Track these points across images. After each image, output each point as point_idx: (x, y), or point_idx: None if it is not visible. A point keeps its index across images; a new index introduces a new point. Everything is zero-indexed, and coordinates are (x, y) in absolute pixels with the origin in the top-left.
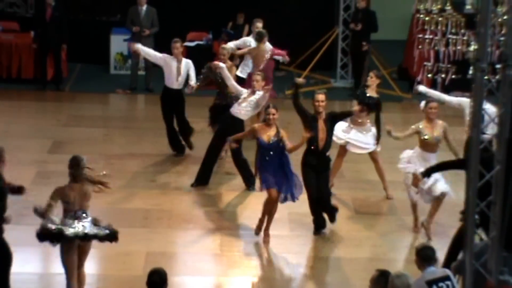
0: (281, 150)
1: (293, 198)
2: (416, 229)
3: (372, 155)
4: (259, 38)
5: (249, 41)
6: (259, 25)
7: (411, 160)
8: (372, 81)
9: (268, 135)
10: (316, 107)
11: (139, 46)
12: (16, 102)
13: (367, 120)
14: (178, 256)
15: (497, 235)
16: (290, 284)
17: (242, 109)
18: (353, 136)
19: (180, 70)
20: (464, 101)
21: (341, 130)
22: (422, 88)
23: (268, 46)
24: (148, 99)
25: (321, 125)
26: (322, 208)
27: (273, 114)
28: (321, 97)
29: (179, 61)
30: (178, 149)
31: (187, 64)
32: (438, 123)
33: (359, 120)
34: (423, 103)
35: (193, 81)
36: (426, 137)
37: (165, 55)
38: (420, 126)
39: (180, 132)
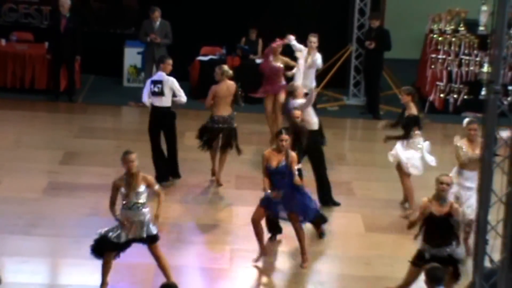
0: (290, 173)
1: (304, 220)
2: None
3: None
4: None
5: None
6: (313, 39)
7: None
8: (403, 99)
9: (278, 160)
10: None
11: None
12: (29, 112)
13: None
14: (188, 270)
15: (507, 256)
16: None
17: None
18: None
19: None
20: None
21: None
22: None
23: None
24: (143, 110)
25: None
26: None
27: (286, 141)
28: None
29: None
30: (163, 175)
31: (167, 82)
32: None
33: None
34: (466, 121)
35: (181, 97)
36: (464, 156)
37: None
38: (458, 144)
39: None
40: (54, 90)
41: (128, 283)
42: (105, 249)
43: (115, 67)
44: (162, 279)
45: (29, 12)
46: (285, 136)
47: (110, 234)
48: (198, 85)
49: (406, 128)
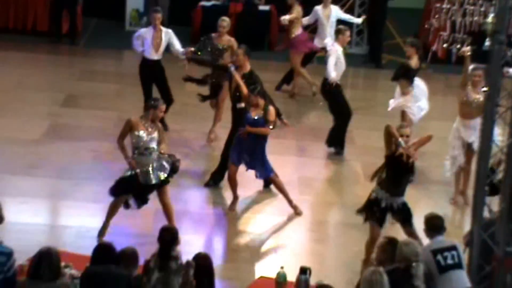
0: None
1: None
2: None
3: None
4: None
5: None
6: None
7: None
8: (407, 51)
9: (257, 112)
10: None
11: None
12: (30, 54)
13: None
14: (187, 215)
15: (506, 207)
16: (295, 247)
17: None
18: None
19: (160, 40)
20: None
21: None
22: None
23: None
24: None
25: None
26: None
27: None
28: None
29: (157, 31)
30: None
31: (167, 34)
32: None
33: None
34: (470, 67)
35: (179, 48)
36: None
37: (141, 31)
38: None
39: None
40: (56, 33)
41: (128, 226)
42: (120, 191)
43: (118, 10)
44: (163, 223)
45: None
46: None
47: (126, 175)
48: (200, 31)
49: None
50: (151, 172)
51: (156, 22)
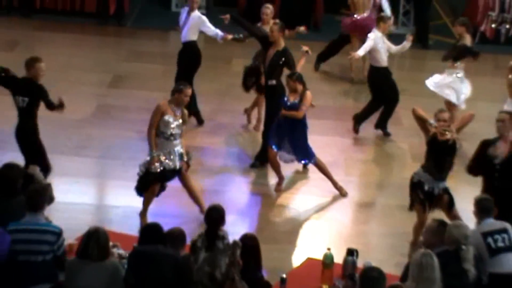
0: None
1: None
2: None
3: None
4: None
5: None
6: None
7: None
8: (456, 30)
9: (294, 97)
10: None
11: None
12: (78, 35)
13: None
14: (233, 196)
15: None
16: (341, 228)
17: None
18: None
19: (187, 22)
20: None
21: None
22: None
23: None
24: (207, 38)
25: None
26: None
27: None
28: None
29: (189, 13)
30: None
31: (196, 18)
32: None
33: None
34: None
35: (214, 33)
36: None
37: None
38: None
39: None
40: (103, 14)
41: (174, 207)
42: (150, 182)
43: None
44: (210, 203)
45: None
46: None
47: (151, 167)
48: (244, 12)
49: (458, 56)
50: (176, 156)
51: (193, 4)
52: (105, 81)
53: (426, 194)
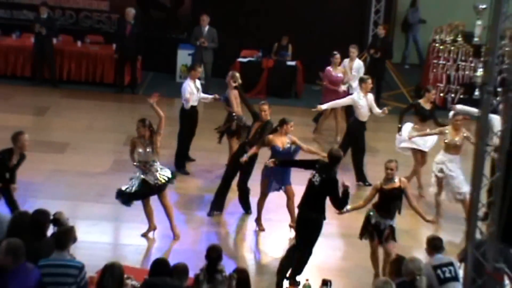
0: (292, 155)
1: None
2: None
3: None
4: None
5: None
6: (352, 49)
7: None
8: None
9: (282, 142)
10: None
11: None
12: (98, 102)
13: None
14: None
15: (495, 230)
16: (318, 261)
17: None
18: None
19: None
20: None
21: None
22: (459, 106)
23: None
24: (206, 104)
25: None
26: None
27: (291, 126)
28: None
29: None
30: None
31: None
32: (462, 131)
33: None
34: (451, 114)
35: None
36: (446, 140)
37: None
38: (446, 131)
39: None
40: (119, 84)
41: (178, 245)
42: (133, 199)
43: (170, 66)
44: (208, 243)
45: (100, 19)
46: (292, 123)
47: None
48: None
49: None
50: (157, 175)
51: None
52: (121, 140)
53: (374, 227)
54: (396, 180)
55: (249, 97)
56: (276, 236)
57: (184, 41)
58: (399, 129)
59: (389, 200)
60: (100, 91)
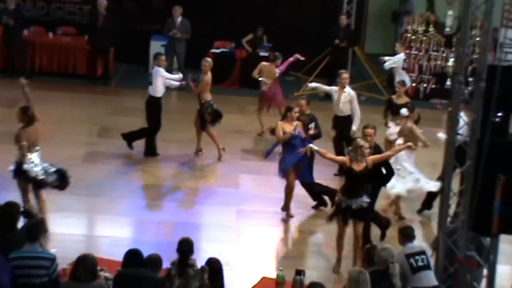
0: (301, 139)
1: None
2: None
3: None
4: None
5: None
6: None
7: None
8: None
9: (291, 128)
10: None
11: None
12: (71, 93)
13: None
14: (200, 227)
15: (466, 218)
16: (292, 251)
17: None
18: None
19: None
20: None
21: None
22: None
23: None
24: (180, 95)
25: None
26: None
27: (296, 113)
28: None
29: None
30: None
31: (155, 72)
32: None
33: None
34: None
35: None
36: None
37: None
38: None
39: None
40: (92, 76)
41: (152, 236)
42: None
43: (143, 57)
44: (182, 234)
45: (73, 10)
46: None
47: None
48: (211, 73)
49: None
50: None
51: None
52: (94, 131)
53: (345, 210)
54: (364, 160)
55: (223, 88)
56: (257, 227)
57: (157, 32)
58: (386, 124)
59: (357, 182)
60: (73, 82)
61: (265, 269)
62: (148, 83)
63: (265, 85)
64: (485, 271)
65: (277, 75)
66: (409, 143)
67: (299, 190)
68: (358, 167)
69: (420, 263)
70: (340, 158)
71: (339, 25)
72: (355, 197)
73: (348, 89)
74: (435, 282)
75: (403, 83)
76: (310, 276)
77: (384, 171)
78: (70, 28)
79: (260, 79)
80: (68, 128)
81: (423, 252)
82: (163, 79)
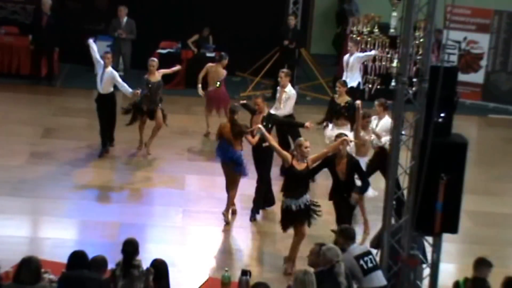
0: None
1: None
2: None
3: None
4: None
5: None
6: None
7: None
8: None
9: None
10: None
11: (90, 41)
12: (14, 94)
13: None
14: (145, 228)
15: (409, 218)
16: (239, 252)
17: None
18: None
19: (103, 77)
20: None
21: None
22: None
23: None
24: (124, 96)
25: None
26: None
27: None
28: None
29: (105, 68)
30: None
31: (110, 73)
32: (370, 130)
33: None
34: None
35: (127, 89)
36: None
37: (101, 61)
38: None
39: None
40: (36, 76)
41: (97, 238)
42: None
43: (88, 57)
44: (127, 235)
45: (15, 10)
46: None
47: None
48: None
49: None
50: None
51: (105, 61)
52: (38, 132)
53: (286, 213)
54: (305, 160)
55: (168, 88)
56: (203, 228)
57: (102, 32)
58: (321, 123)
59: (298, 180)
60: (16, 83)
61: (211, 269)
62: (98, 81)
63: (213, 86)
64: (428, 270)
65: (224, 76)
66: (345, 137)
67: (246, 190)
68: (299, 166)
69: (370, 264)
70: (284, 152)
71: (288, 26)
72: (296, 197)
73: (289, 88)
74: (384, 282)
75: (344, 83)
76: (257, 276)
77: (359, 183)
78: (13, 27)
79: (217, 83)
80: (11, 129)
81: (369, 253)
82: (113, 81)
